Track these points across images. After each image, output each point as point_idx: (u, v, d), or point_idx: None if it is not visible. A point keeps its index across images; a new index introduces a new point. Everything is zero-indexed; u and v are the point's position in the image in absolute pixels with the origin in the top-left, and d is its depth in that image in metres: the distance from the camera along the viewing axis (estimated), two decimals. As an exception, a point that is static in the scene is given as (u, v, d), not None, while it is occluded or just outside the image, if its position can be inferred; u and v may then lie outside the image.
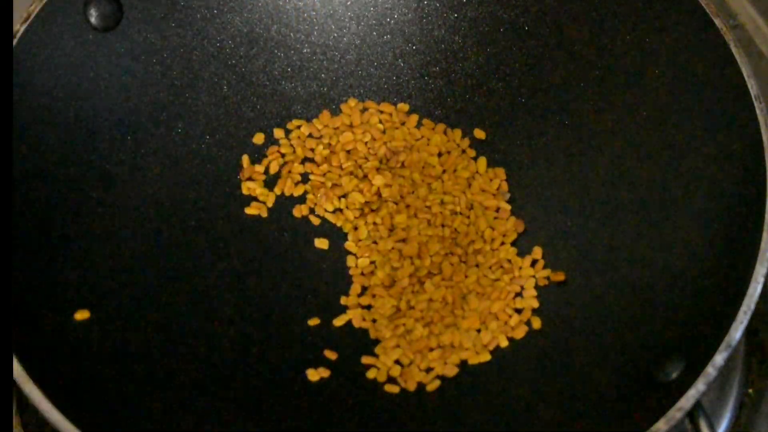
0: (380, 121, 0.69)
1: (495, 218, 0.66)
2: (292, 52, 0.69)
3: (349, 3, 0.70)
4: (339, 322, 0.63)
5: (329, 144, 0.68)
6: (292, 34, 0.69)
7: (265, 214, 0.66)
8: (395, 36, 0.70)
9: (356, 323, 0.63)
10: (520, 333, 0.62)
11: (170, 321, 0.60)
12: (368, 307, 0.63)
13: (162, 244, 0.63)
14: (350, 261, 0.65)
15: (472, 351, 0.61)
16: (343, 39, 0.70)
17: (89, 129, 0.63)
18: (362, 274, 0.64)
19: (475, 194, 0.66)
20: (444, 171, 0.67)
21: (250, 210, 0.66)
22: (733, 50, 0.60)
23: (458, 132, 0.68)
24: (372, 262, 0.65)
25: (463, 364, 0.61)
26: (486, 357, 0.61)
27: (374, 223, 0.66)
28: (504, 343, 0.61)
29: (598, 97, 0.65)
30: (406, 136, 0.68)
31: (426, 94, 0.69)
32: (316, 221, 0.66)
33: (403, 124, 0.69)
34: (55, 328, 0.57)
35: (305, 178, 0.68)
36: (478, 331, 0.62)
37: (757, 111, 0.58)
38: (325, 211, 0.66)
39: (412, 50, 0.70)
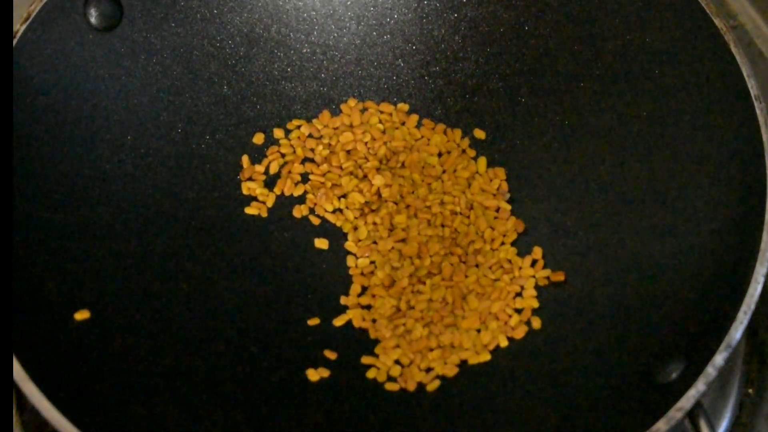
0: (380, 121, 0.69)
1: (495, 218, 0.66)
2: (292, 52, 0.69)
3: (349, 3, 0.70)
4: (339, 322, 0.63)
5: (329, 144, 0.68)
6: (292, 34, 0.69)
7: (265, 214, 0.66)
8: (395, 36, 0.70)
9: (356, 323, 0.63)
10: (520, 333, 0.62)
11: (170, 321, 0.60)
12: (368, 307, 0.63)
13: (162, 244, 0.63)
14: (350, 261, 0.65)
15: (472, 351, 0.61)
16: (343, 39, 0.70)
17: (89, 129, 0.63)
18: (362, 274, 0.64)
19: (475, 194, 0.66)
20: (444, 171, 0.67)
21: (250, 210, 0.66)
22: (733, 50, 0.60)
23: (458, 132, 0.68)
24: (372, 262, 0.65)
25: (463, 364, 0.61)
26: (486, 357, 0.61)
27: (374, 223, 0.66)
28: (504, 343, 0.61)
29: (598, 97, 0.65)
30: (406, 136, 0.68)
31: (426, 94, 0.69)
32: (316, 221, 0.66)
33: (403, 124, 0.69)
34: (55, 328, 0.57)
35: (305, 178, 0.68)
36: (478, 331, 0.62)
37: (757, 111, 0.58)
38: (325, 211, 0.66)
39: (412, 50, 0.70)
